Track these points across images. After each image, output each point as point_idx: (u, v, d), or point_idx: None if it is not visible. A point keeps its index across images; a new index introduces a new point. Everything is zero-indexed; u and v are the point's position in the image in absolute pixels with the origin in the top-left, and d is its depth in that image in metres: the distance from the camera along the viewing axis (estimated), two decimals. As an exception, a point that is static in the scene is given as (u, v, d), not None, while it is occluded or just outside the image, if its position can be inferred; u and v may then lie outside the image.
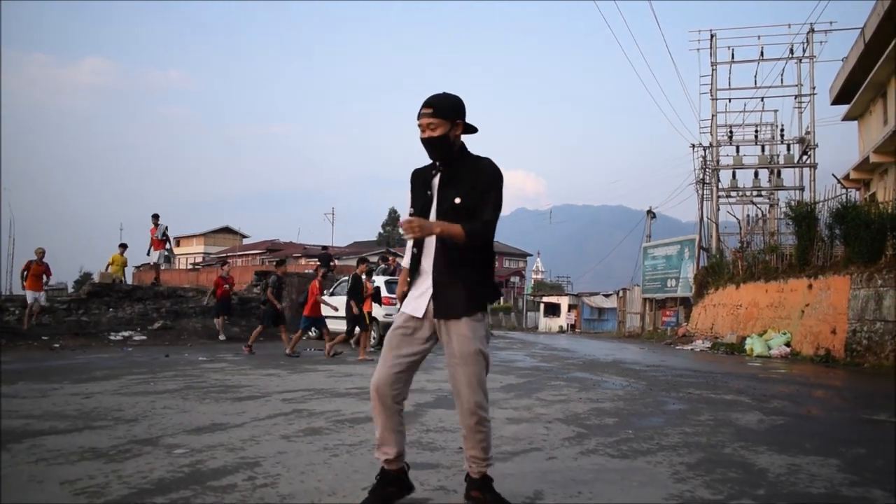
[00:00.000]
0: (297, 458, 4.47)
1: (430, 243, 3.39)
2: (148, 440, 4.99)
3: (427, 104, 3.37)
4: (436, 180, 3.45)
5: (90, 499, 3.49)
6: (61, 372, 9.73)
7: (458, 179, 3.40)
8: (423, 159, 3.55)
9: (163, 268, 20.18)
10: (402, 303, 3.51)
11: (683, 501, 3.61)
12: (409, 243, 3.51)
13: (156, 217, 19.54)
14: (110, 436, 5.13)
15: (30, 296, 15.93)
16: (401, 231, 3.34)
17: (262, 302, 15.16)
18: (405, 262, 3.60)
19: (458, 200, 3.35)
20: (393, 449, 3.39)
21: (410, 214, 3.44)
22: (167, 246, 20.16)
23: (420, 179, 3.54)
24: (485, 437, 3.38)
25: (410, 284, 3.48)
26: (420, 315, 3.36)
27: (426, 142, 3.38)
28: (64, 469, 4.10)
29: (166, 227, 19.73)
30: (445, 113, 3.36)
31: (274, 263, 17.58)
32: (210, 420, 5.88)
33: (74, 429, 5.40)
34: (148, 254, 19.77)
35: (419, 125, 3.38)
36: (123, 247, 20.08)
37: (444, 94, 3.43)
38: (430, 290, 3.36)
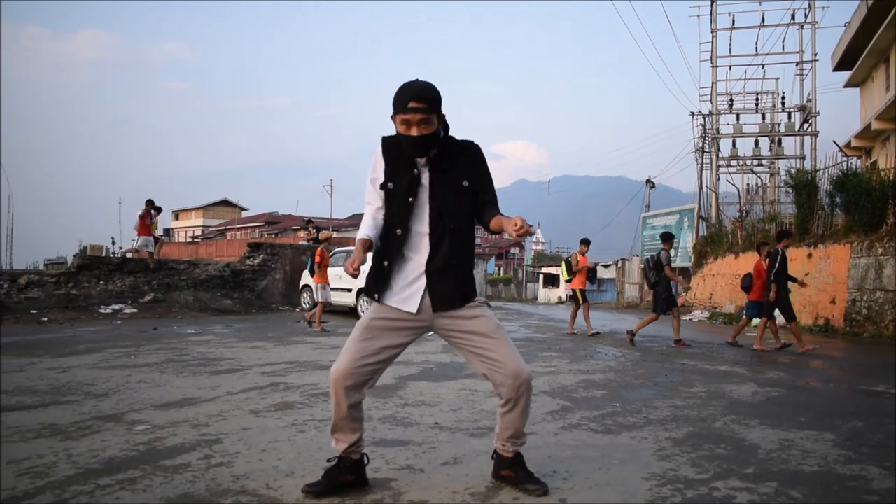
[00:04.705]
0: (262, 434, 4.24)
1: (421, 229, 3.05)
2: (112, 416, 4.78)
3: (419, 97, 2.92)
4: (421, 159, 3.08)
5: (33, 480, 3.27)
6: (45, 346, 9.52)
7: (453, 161, 3.10)
8: None
9: (150, 250, 18.60)
10: (353, 271, 2.99)
11: (665, 481, 3.38)
12: (370, 218, 3.15)
13: (150, 204, 18.27)
14: (75, 411, 4.92)
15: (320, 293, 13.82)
16: (513, 234, 2.92)
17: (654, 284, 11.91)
18: (365, 232, 3.11)
19: (466, 183, 3.07)
20: (349, 437, 3.14)
21: (390, 188, 3.08)
22: (154, 233, 18.66)
23: (400, 152, 3.10)
24: (529, 405, 3.17)
25: (386, 272, 3.11)
26: (413, 311, 3.06)
27: (418, 141, 2.96)
28: (16, 448, 3.89)
29: (158, 213, 18.56)
30: (438, 107, 2.98)
31: (662, 236, 13.52)
32: (182, 395, 5.66)
33: (41, 404, 5.19)
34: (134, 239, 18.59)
35: (405, 120, 2.94)
36: (158, 210, 19.25)
37: (426, 84, 2.99)
38: (423, 283, 3.05)
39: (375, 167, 3.15)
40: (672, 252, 12.15)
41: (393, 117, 3.02)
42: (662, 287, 11.55)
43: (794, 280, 11.05)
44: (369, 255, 3.11)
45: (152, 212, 18.17)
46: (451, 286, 3.06)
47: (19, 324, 13.33)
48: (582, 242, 13.93)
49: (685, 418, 5.04)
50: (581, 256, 13.74)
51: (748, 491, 3.25)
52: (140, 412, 4.93)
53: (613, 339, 12.39)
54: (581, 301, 13.63)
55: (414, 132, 2.95)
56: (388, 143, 3.15)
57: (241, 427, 4.45)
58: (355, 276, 3.01)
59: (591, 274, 14.30)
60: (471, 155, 3.15)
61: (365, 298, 16.19)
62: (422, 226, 3.05)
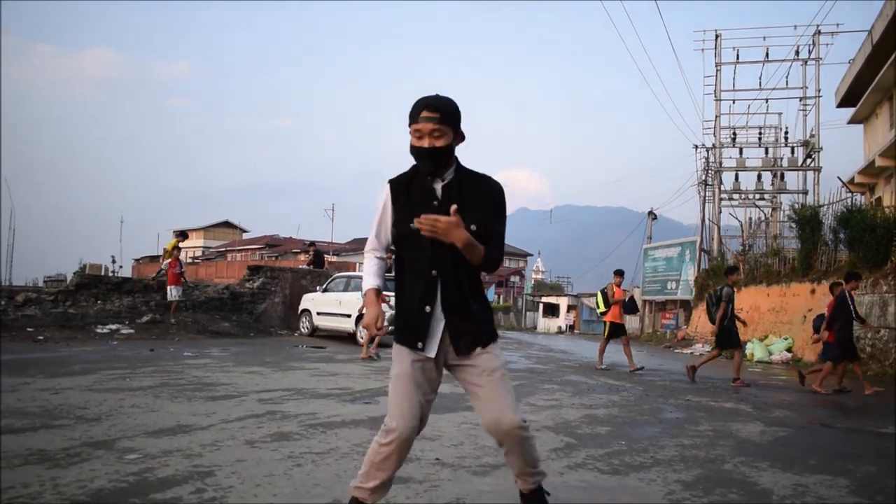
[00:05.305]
0: (257, 467, 4.09)
1: (437, 268, 2.87)
2: (103, 443, 4.63)
3: (432, 107, 2.81)
4: (438, 191, 2.91)
5: (16, 512, 3.13)
6: (39, 365, 9.36)
7: (466, 200, 2.88)
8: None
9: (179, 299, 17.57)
10: (377, 330, 2.98)
11: (678, 528, 3.24)
12: (374, 265, 3.06)
13: (182, 237, 17.98)
14: (65, 437, 4.77)
15: None
16: (414, 226, 2.76)
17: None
18: (374, 282, 3.02)
19: (473, 227, 2.84)
20: (389, 488, 2.98)
21: (413, 228, 2.83)
22: (183, 280, 17.87)
23: (415, 190, 2.93)
24: (531, 447, 2.98)
25: (429, 315, 2.91)
26: (432, 356, 2.89)
27: (429, 153, 2.81)
28: (2, 475, 3.74)
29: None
30: (452, 120, 2.84)
31: (726, 271, 12.66)
32: (176, 421, 5.51)
33: (30, 428, 5.04)
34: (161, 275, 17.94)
35: (417, 130, 2.81)
36: (183, 236, 18.68)
37: (444, 97, 2.89)
38: (441, 326, 2.88)
39: (383, 214, 3.00)
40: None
41: (410, 130, 2.88)
42: (729, 321, 11.18)
43: (862, 321, 10.56)
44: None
45: (181, 260, 17.65)
46: (466, 331, 2.90)
47: (15, 342, 13.17)
48: (616, 273, 13.52)
49: (693, 459, 4.90)
50: (616, 288, 13.29)
51: (765, 541, 3.11)
52: (132, 439, 4.78)
53: (616, 373, 12.21)
54: (608, 334, 13.27)
55: (425, 143, 2.81)
56: (396, 184, 2.98)
57: (236, 458, 4.29)
58: (377, 336, 2.91)
59: (631, 305, 13.83)
60: (487, 195, 2.95)
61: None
62: (437, 265, 2.88)
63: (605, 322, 13.48)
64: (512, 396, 2.91)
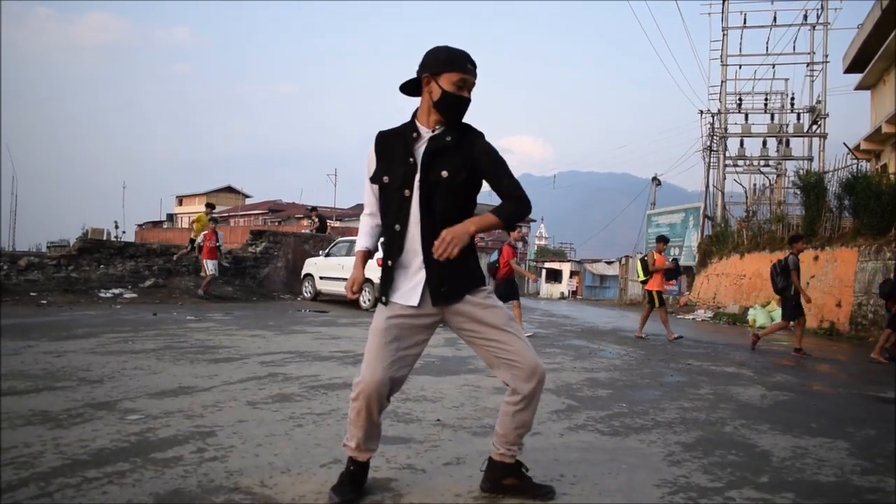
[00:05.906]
0: (258, 427, 4.10)
1: (417, 221, 2.83)
2: (105, 404, 4.63)
3: (472, 61, 2.86)
4: (421, 148, 2.86)
5: (17, 471, 3.14)
6: (42, 329, 9.38)
7: (450, 149, 2.85)
8: None
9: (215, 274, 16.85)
10: (352, 295, 3.07)
11: (677, 488, 3.24)
12: (365, 224, 3.10)
13: (211, 207, 17.99)
14: (67, 398, 4.78)
15: None
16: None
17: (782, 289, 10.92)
18: (363, 243, 3.09)
19: (444, 174, 2.80)
20: (376, 443, 3.00)
21: (385, 182, 2.89)
22: (219, 254, 16.93)
23: (398, 144, 2.90)
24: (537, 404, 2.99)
25: (391, 269, 2.92)
26: (415, 304, 2.86)
27: (465, 103, 2.85)
28: (4, 435, 3.74)
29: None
30: None
31: (788, 240, 12.00)
32: (178, 383, 5.51)
33: (33, 389, 5.05)
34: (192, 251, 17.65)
35: (463, 79, 2.82)
36: (211, 207, 18.76)
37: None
38: (423, 275, 2.85)
39: (369, 165, 3.00)
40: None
41: (435, 75, 2.82)
42: (791, 293, 10.73)
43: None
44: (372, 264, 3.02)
45: (218, 232, 17.00)
46: (448, 279, 2.86)
47: (18, 306, 13.22)
48: (658, 240, 13.13)
49: (694, 421, 4.91)
50: (658, 255, 12.75)
51: (765, 502, 3.11)
52: (134, 400, 4.79)
53: (617, 337, 12.24)
54: (657, 304, 12.61)
55: (465, 94, 2.84)
56: (382, 136, 2.97)
57: (237, 419, 4.30)
58: (355, 299, 2.94)
59: (672, 273, 13.21)
60: (469, 143, 2.89)
61: (367, 290, 16.01)
62: (417, 218, 2.85)
63: (649, 292, 12.79)
64: (526, 340, 2.94)
